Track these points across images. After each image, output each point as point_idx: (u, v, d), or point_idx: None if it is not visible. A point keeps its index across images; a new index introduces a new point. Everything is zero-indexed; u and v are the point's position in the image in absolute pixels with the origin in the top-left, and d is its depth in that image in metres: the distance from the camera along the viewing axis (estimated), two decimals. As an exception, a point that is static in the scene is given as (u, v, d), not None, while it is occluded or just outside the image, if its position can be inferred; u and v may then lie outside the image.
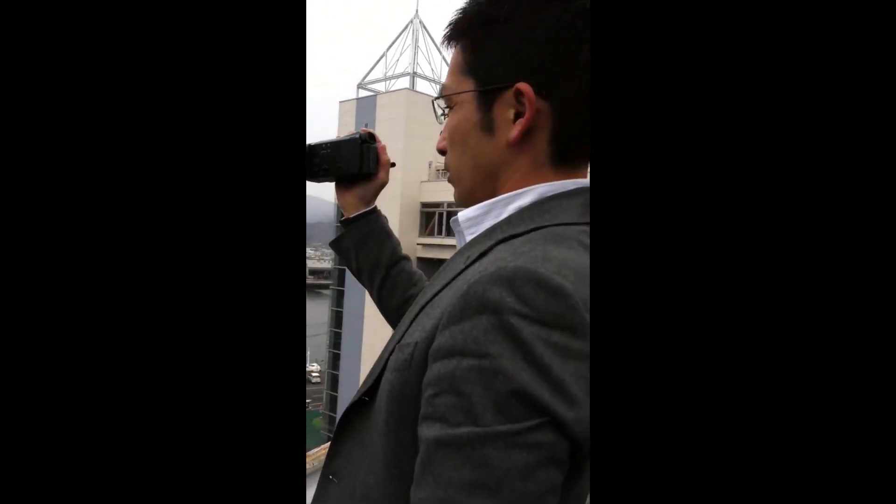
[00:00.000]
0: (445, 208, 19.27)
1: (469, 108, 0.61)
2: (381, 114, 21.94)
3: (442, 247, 18.80)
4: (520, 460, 0.44)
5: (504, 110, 0.59)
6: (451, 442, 0.45)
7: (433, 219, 20.60)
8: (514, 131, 0.58)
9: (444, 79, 0.66)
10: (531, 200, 0.59)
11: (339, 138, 0.90)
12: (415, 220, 21.43)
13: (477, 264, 0.54)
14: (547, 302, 0.47)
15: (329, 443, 0.66)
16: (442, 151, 0.67)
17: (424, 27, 25.06)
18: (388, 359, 0.57)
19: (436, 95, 0.66)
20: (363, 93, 24.96)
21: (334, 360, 24.03)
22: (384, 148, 0.92)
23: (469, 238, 0.62)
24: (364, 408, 0.59)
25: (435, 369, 0.48)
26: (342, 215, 0.96)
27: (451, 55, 0.63)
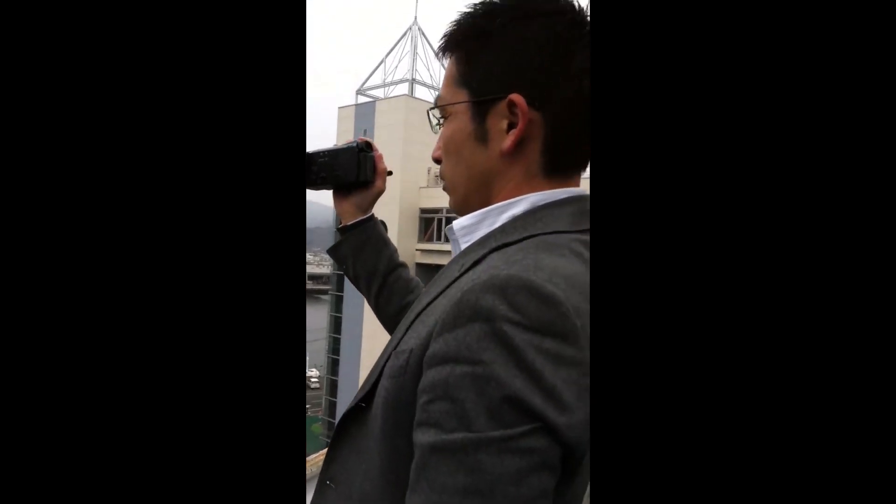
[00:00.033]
0: (444, 214, 19.28)
1: (463, 119, 0.62)
2: (379, 120, 21.99)
3: (441, 252, 18.80)
4: (512, 465, 0.45)
5: (497, 121, 0.60)
6: (445, 448, 0.46)
7: (432, 224, 20.62)
8: (508, 141, 0.59)
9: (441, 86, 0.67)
10: (524, 209, 0.60)
11: (336, 147, 0.91)
12: (414, 226, 21.44)
13: (471, 272, 0.55)
14: (539, 309, 0.47)
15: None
16: (437, 160, 0.68)
17: (423, 34, 25.15)
18: (384, 365, 0.57)
19: (432, 104, 0.67)
20: (362, 99, 25.02)
21: (333, 366, 23.99)
22: (381, 157, 0.93)
23: (464, 246, 0.63)
24: (361, 414, 0.60)
25: (429, 376, 0.49)
26: (340, 222, 0.97)
27: (446, 66, 0.65)
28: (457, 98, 0.62)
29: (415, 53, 24.73)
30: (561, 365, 0.47)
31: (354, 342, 21.33)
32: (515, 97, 0.58)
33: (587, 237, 0.60)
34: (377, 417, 0.56)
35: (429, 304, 0.57)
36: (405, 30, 25.73)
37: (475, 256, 0.58)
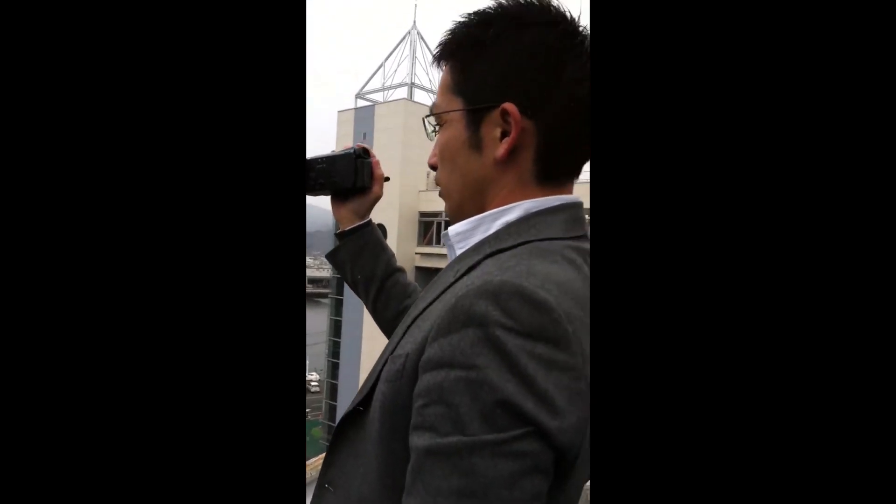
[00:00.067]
0: (443, 218, 19.24)
1: (458, 127, 0.63)
2: (379, 124, 22.00)
3: (440, 256, 18.78)
4: (506, 469, 0.46)
5: (491, 129, 0.61)
6: (439, 451, 0.47)
7: (431, 228, 20.63)
8: (501, 149, 0.60)
9: None
10: (518, 216, 0.61)
11: (334, 153, 0.92)
12: (413, 230, 21.44)
13: (465, 278, 0.56)
14: (531, 315, 0.48)
15: (326, 452, 0.68)
16: (433, 167, 0.69)
17: (422, 38, 25.19)
18: (381, 369, 0.58)
19: (429, 111, 0.68)
20: (361, 102, 25.06)
21: (333, 370, 23.96)
22: (378, 163, 0.94)
23: (459, 252, 0.64)
24: (359, 418, 0.60)
25: (424, 380, 0.50)
26: (339, 227, 0.98)
27: (441, 75, 0.66)
28: (452, 106, 0.63)
29: (414, 57, 24.78)
30: (553, 370, 0.48)
31: (354, 346, 21.31)
32: (508, 106, 0.59)
33: (579, 244, 0.61)
34: (374, 421, 0.57)
35: (425, 309, 0.58)
36: (404, 34, 25.81)
37: (470, 262, 0.59)
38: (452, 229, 0.65)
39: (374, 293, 0.95)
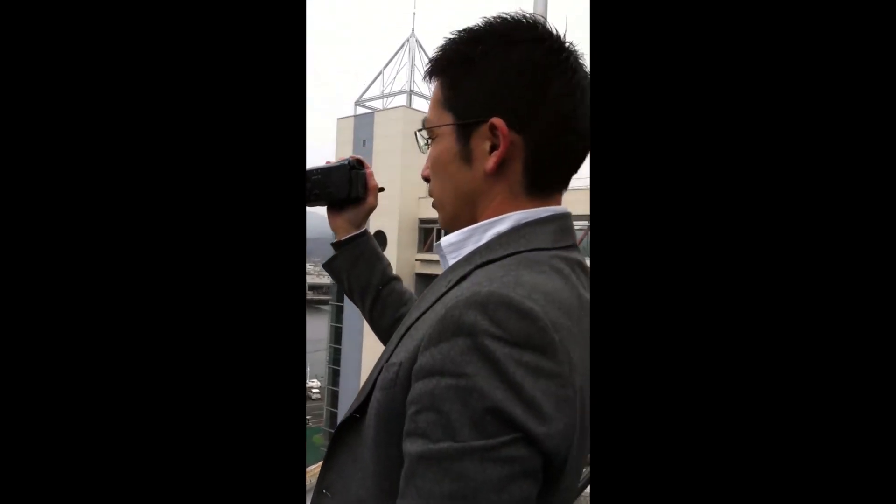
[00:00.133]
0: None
1: (449, 140, 0.65)
2: (378, 131, 22.07)
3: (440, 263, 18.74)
4: (495, 474, 0.47)
5: (480, 142, 0.63)
6: (431, 456, 0.49)
7: (431, 235, 20.64)
8: (490, 162, 0.62)
9: None
10: (508, 227, 0.63)
11: (329, 164, 0.95)
12: (413, 236, 21.46)
13: (456, 289, 0.58)
14: (518, 324, 0.50)
15: (326, 459, 0.69)
16: (426, 179, 0.71)
17: (420, 46, 25.29)
18: (377, 377, 0.60)
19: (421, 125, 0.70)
20: (360, 110, 25.13)
21: (334, 376, 23.91)
22: (372, 174, 0.96)
23: (451, 262, 0.66)
24: (356, 424, 0.62)
25: (417, 388, 0.52)
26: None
27: (432, 89, 0.68)
28: (442, 120, 0.65)
29: (412, 65, 24.86)
30: (540, 377, 0.50)
31: (355, 352, 21.27)
32: (496, 121, 0.61)
33: (568, 253, 0.62)
34: (370, 428, 0.58)
35: (418, 318, 0.60)
36: (403, 42, 25.91)
37: (461, 272, 0.60)
38: (445, 240, 0.67)
39: (370, 302, 0.97)
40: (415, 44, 25.44)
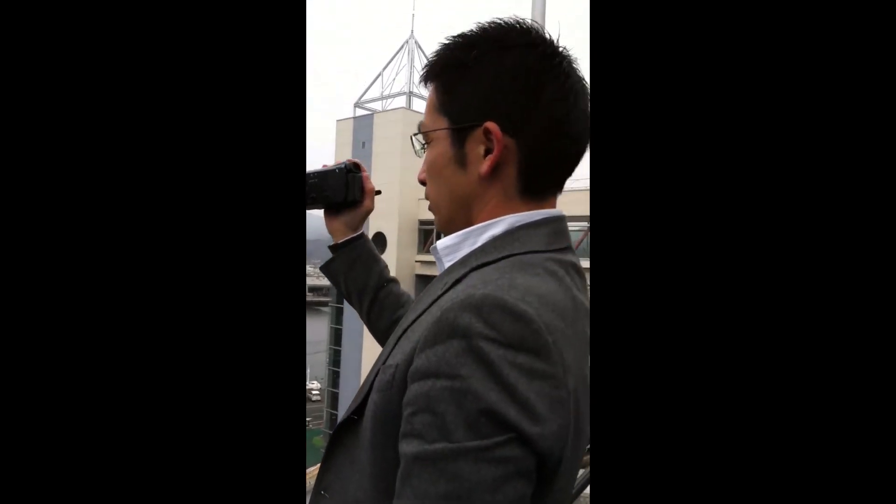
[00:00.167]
0: (442, 226, 19.23)
1: (444, 144, 0.66)
2: (377, 132, 22.08)
3: (440, 263, 18.72)
4: (489, 474, 0.48)
5: (475, 146, 0.64)
6: (427, 457, 0.49)
7: (431, 236, 20.63)
8: (484, 166, 0.63)
9: None
10: (503, 230, 0.64)
11: (325, 168, 0.95)
12: (413, 238, 21.47)
13: (451, 291, 0.58)
14: (512, 326, 0.51)
15: (325, 460, 0.70)
16: (423, 182, 0.71)
17: (420, 47, 25.32)
18: (373, 380, 0.61)
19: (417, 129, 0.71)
20: (360, 112, 25.15)
21: (334, 378, 23.90)
22: (368, 177, 0.97)
23: (447, 265, 0.66)
24: (353, 426, 0.63)
25: (413, 390, 0.52)
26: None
27: (428, 94, 0.69)
28: (437, 125, 0.66)
29: (412, 66, 24.88)
30: (534, 378, 0.50)
31: (355, 354, 21.26)
32: (490, 125, 0.62)
33: (562, 256, 0.63)
34: (367, 429, 0.59)
35: (414, 320, 0.61)
36: (402, 43, 25.94)
37: (456, 275, 0.61)
38: (440, 243, 0.68)
39: (367, 304, 0.98)
40: (414, 45, 25.47)
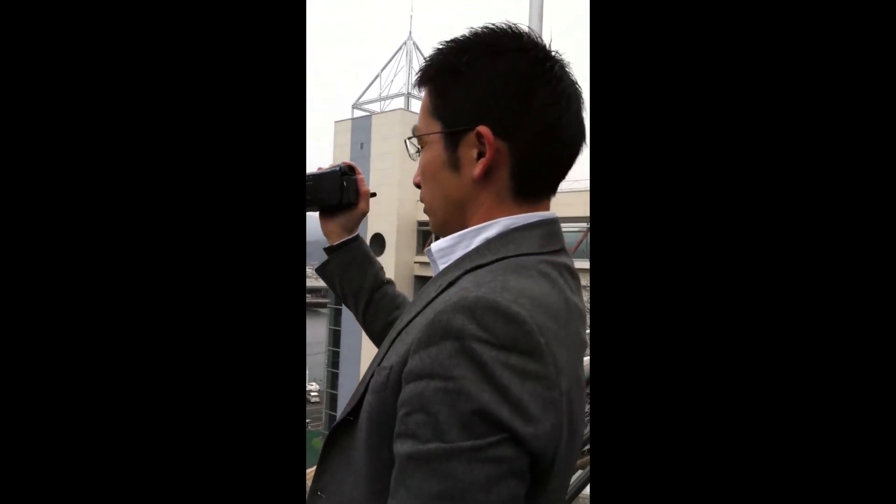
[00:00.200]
0: (441, 227, 19.28)
1: (438, 148, 0.67)
2: (376, 133, 22.10)
3: (439, 264, 18.76)
4: (482, 473, 0.49)
5: (468, 150, 0.64)
6: (420, 457, 0.50)
7: (430, 237, 20.65)
8: (477, 169, 0.64)
9: None
10: (496, 232, 0.64)
11: (320, 171, 0.96)
12: (412, 239, 21.48)
13: (445, 293, 0.59)
14: (505, 328, 0.51)
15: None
16: (418, 185, 0.72)
17: (418, 48, 25.35)
18: (369, 381, 0.61)
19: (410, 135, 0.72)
20: (358, 113, 25.16)
21: (332, 380, 23.89)
22: (363, 179, 0.98)
23: (442, 267, 0.67)
24: (349, 427, 0.63)
25: (407, 391, 0.53)
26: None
27: (422, 98, 0.69)
28: (431, 128, 0.67)
29: (410, 68, 24.91)
30: (526, 379, 0.51)
31: (353, 355, 21.26)
32: (482, 129, 0.62)
33: (556, 258, 0.64)
34: (363, 430, 0.60)
35: (409, 322, 0.61)
36: (400, 44, 25.97)
37: (451, 277, 0.62)
38: (435, 245, 0.68)
39: (363, 305, 0.99)
40: (412, 46, 25.50)
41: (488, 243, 0.64)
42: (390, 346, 0.61)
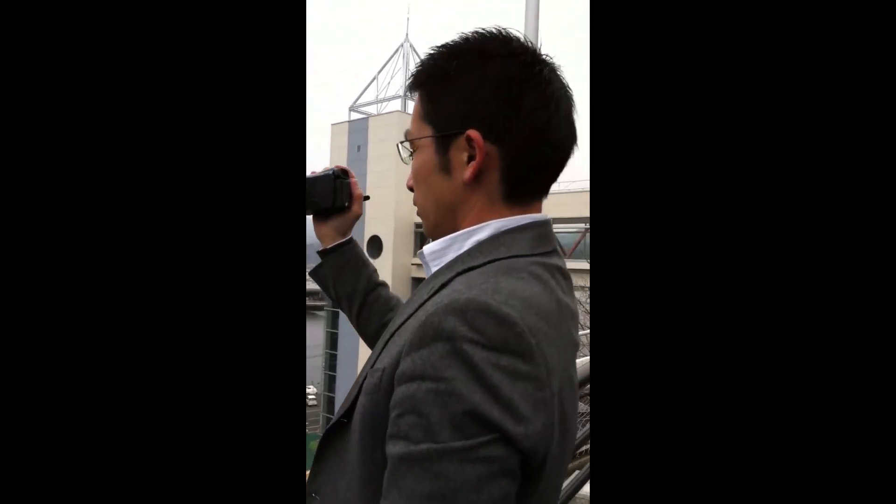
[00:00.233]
0: (438, 229, 19.30)
1: (429, 152, 0.67)
2: (373, 136, 22.11)
3: (436, 266, 18.77)
4: (473, 473, 0.49)
5: (458, 153, 0.65)
6: (412, 457, 0.50)
7: (428, 239, 20.63)
8: (467, 172, 0.64)
9: None
10: (488, 234, 0.65)
11: (313, 174, 0.97)
12: (409, 241, 21.48)
13: (437, 295, 0.60)
14: (496, 329, 0.52)
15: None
16: (411, 189, 0.73)
17: (415, 51, 25.38)
18: (362, 383, 0.62)
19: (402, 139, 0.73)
20: (355, 115, 25.18)
21: (330, 382, 23.86)
22: (356, 182, 0.99)
23: (434, 269, 0.68)
24: (343, 428, 0.64)
25: (399, 392, 0.53)
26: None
27: (414, 103, 0.70)
28: (423, 132, 0.68)
29: (407, 70, 24.93)
30: (517, 380, 0.51)
31: (351, 358, 21.24)
32: (472, 133, 0.63)
33: (547, 259, 0.64)
34: (356, 432, 0.60)
35: (401, 324, 0.62)
36: (397, 47, 26.01)
37: (443, 279, 0.62)
38: (427, 248, 0.69)
39: (357, 308, 0.99)
40: (409, 49, 25.53)
41: (480, 245, 0.65)
42: (383, 348, 0.62)
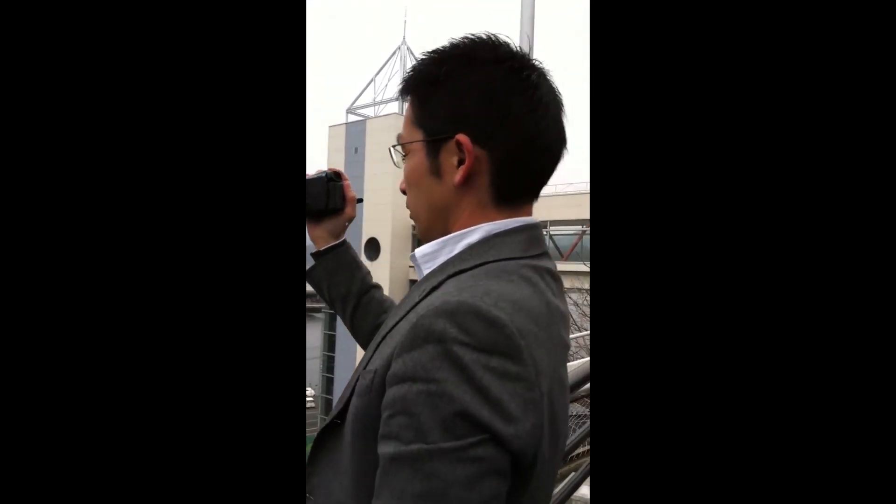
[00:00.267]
0: (436, 230, 19.32)
1: (420, 156, 0.68)
2: (370, 138, 22.12)
3: (434, 268, 18.77)
4: (464, 473, 0.50)
5: (448, 157, 0.66)
6: (403, 458, 0.51)
7: (423, 241, 20.63)
8: (457, 176, 0.65)
9: None
10: (479, 237, 0.66)
11: (307, 177, 0.97)
12: (406, 243, 21.48)
13: (428, 298, 0.60)
14: (485, 331, 0.53)
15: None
16: (404, 192, 0.74)
17: (412, 53, 25.41)
18: (355, 384, 0.62)
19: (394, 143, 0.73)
20: (352, 117, 25.20)
21: (328, 385, 23.82)
22: (349, 185, 0.99)
23: (426, 272, 0.68)
24: (336, 429, 0.64)
25: (390, 393, 0.54)
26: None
27: (406, 108, 0.71)
28: (413, 137, 0.69)
29: (404, 72, 24.91)
30: (507, 380, 0.52)
31: (348, 361, 21.22)
32: (461, 137, 0.64)
33: (537, 262, 0.65)
34: (349, 433, 0.61)
35: (393, 326, 0.62)
36: (394, 49, 26.04)
37: (434, 282, 0.63)
38: (419, 251, 0.70)
39: (350, 309, 1.00)
40: (406, 51, 25.57)
41: (471, 248, 0.65)
42: (375, 350, 0.63)
